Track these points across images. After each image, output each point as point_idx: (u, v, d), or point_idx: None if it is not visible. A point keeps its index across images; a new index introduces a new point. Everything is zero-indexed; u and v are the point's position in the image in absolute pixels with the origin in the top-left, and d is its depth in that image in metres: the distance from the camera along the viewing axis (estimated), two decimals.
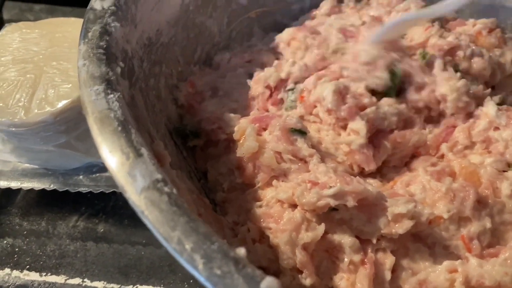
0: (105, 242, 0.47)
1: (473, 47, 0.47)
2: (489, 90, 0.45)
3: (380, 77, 0.41)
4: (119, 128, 0.27)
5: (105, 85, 0.29)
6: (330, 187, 0.34)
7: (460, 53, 0.45)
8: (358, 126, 0.38)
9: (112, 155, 0.26)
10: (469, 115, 0.43)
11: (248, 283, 0.21)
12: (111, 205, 0.49)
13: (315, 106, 0.40)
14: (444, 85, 0.42)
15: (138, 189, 0.24)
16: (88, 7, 0.36)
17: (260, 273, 0.21)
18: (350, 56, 0.44)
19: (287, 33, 0.51)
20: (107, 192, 0.45)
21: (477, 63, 0.45)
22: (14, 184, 0.46)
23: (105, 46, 0.32)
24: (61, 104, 0.43)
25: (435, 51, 0.45)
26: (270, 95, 0.43)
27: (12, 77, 0.45)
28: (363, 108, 0.39)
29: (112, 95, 0.29)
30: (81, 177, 0.46)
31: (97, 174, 0.46)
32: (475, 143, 0.41)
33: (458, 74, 0.43)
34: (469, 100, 0.42)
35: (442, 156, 0.41)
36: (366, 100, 0.40)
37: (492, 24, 0.51)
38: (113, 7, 0.36)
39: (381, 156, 0.39)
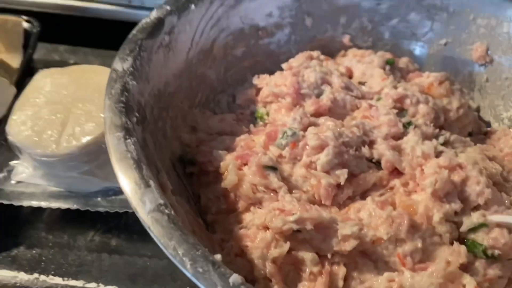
0: (117, 254, 0.57)
1: (419, 96, 0.57)
2: (436, 130, 0.55)
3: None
4: (134, 166, 0.37)
5: (124, 132, 0.39)
6: (293, 214, 0.43)
7: (408, 101, 0.56)
8: (342, 173, 0.48)
9: (129, 186, 0.36)
10: None
11: (220, 277, 0.31)
12: (122, 223, 0.59)
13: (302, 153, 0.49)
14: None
15: (146, 211, 0.34)
16: (111, 67, 0.46)
17: (230, 271, 0.31)
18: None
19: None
20: (120, 212, 0.55)
21: (422, 109, 0.56)
22: (44, 204, 0.55)
23: (124, 101, 0.43)
24: (85, 139, 0.53)
25: (387, 99, 0.55)
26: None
27: (46, 116, 0.55)
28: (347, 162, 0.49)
29: (129, 140, 0.39)
30: (99, 199, 0.55)
31: (113, 197, 0.55)
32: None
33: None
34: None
35: (392, 187, 0.50)
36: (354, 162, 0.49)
37: (442, 77, 0.61)
38: (131, 69, 0.46)
39: (343, 197, 0.48)
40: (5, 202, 0.55)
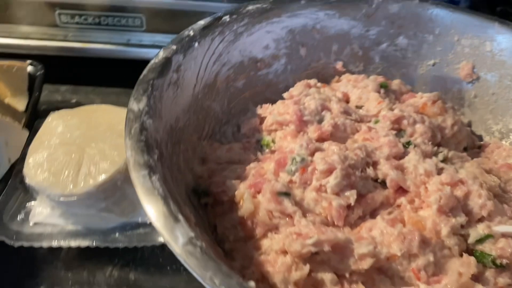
0: (136, 287, 0.58)
1: (415, 116, 0.60)
2: (435, 148, 0.58)
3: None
4: (162, 202, 0.39)
5: (148, 170, 0.41)
6: (310, 237, 0.46)
7: (405, 122, 0.59)
8: (351, 194, 0.50)
9: (159, 222, 0.38)
10: None
11: None
12: (139, 257, 0.61)
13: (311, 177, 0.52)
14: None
15: (179, 245, 0.36)
16: (128, 108, 0.48)
17: None
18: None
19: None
20: (139, 246, 0.57)
21: (419, 128, 0.59)
22: (63, 243, 0.57)
23: (144, 139, 0.45)
24: (101, 178, 0.55)
25: (384, 120, 0.59)
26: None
27: (61, 158, 0.57)
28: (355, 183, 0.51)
29: (154, 177, 0.41)
30: (117, 234, 0.57)
31: (130, 232, 0.57)
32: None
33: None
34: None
35: (399, 205, 0.53)
36: (361, 183, 0.52)
37: (435, 97, 0.65)
38: (146, 108, 0.48)
39: (354, 217, 0.50)
40: (26, 244, 0.56)
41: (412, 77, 0.75)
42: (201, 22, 0.62)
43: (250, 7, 0.67)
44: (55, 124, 0.62)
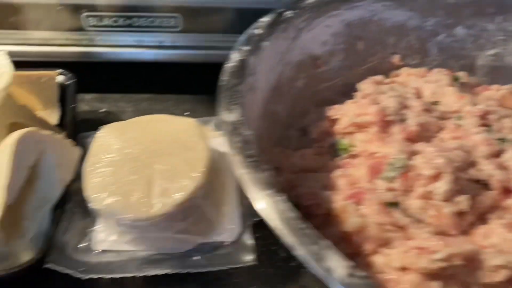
0: None
1: (500, 110, 0.57)
2: None
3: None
4: (301, 226, 0.34)
5: (272, 189, 0.37)
6: (436, 251, 0.41)
7: (491, 117, 0.55)
8: (463, 199, 0.46)
9: (305, 253, 0.33)
10: None
11: None
12: (212, 279, 0.55)
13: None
14: None
15: (340, 279, 0.31)
16: (221, 120, 0.43)
17: None
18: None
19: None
20: (224, 269, 0.51)
21: (506, 123, 0.55)
22: (138, 273, 0.50)
23: (252, 154, 0.40)
24: (179, 196, 0.49)
25: (469, 116, 0.55)
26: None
27: (127, 176, 0.51)
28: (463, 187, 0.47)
29: (280, 198, 0.36)
30: (199, 257, 0.51)
31: (210, 254, 0.52)
32: None
33: None
34: None
35: (506, 208, 0.49)
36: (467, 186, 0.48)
37: None
38: (241, 118, 0.43)
39: (465, 224, 0.47)
40: (95, 276, 0.50)
41: (472, 68, 0.71)
42: (266, 19, 0.57)
43: (310, 0, 0.62)
44: (108, 140, 0.55)
